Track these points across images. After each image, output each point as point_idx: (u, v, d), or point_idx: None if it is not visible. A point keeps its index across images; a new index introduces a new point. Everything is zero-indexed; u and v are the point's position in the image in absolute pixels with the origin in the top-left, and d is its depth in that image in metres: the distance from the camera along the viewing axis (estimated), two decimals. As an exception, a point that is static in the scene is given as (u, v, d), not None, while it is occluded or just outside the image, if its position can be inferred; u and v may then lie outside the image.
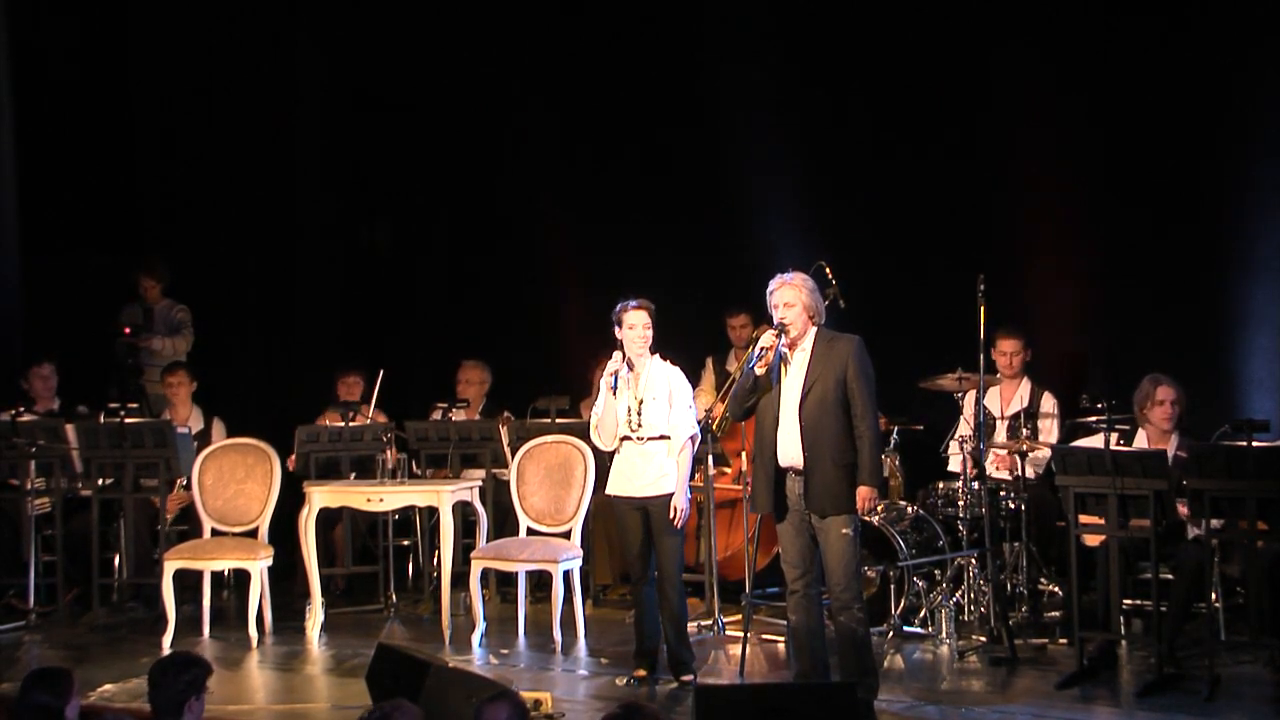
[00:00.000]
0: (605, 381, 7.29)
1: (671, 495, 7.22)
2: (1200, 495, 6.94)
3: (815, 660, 6.71)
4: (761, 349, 6.60)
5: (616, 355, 7.30)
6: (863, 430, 6.57)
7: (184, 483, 9.09)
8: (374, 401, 9.25)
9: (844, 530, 6.56)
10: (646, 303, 7.30)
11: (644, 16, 10.21)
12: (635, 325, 7.26)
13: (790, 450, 6.62)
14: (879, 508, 7.83)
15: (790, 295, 6.64)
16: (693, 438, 7.34)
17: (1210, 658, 6.96)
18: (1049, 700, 6.93)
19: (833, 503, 6.56)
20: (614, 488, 7.37)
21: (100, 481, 9.04)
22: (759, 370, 6.62)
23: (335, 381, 9.85)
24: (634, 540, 7.30)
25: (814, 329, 6.69)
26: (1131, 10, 9.01)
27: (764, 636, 8.11)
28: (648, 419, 7.25)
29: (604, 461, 8.46)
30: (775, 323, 6.63)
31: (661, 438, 7.27)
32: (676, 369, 7.39)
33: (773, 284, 6.70)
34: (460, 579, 8.41)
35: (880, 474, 6.72)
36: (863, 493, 6.57)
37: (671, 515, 7.19)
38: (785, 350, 6.64)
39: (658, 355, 7.35)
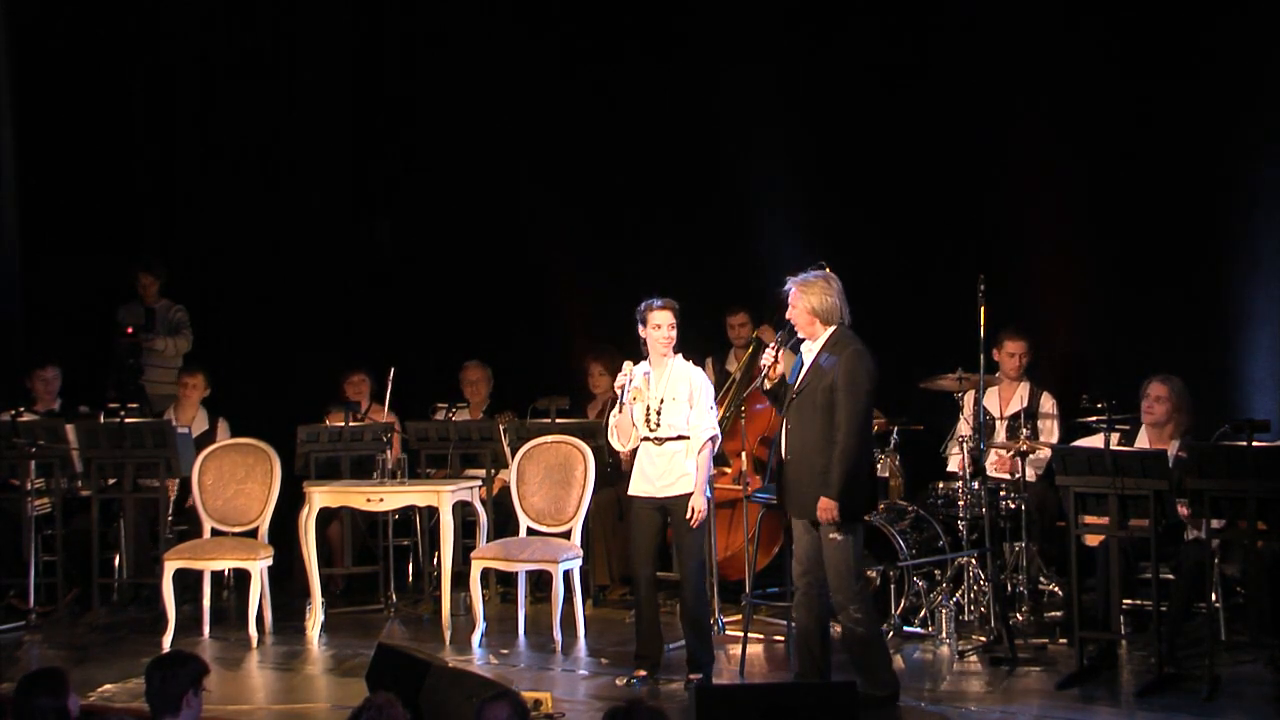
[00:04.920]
0: (627, 395, 7.27)
1: (691, 495, 7.21)
2: (1200, 495, 6.94)
3: (815, 660, 6.73)
4: (763, 364, 6.76)
5: (627, 365, 7.31)
6: (838, 439, 6.55)
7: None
8: (387, 398, 9.13)
9: (833, 535, 6.58)
10: (671, 302, 7.29)
11: (645, 16, 10.20)
12: (660, 325, 7.25)
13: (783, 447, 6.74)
14: (881, 508, 7.86)
15: (792, 298, 6.74)
16: (714, 438, 7.32)
17: (1210, 658, 6.95)
18: (1049, 700, 6.93)
19: (801, 508, 6.64)
20: (634, 488, 7.36)
21: (108, 481, 9.04)
22: (766, 385, 6.80)
23: (341, 381, 9.83)
24: (645, 539, 7.28)
25: (829, 330, 6.71)
26: (1132, 9, 9.01)
27: (764, 636, 8.11)
28: (667, 419, 7.23)
29: (603, 461, 8.51)
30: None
31: (680, 438, 7.25)
32: (699, 369, 7.38)
33: (787, 284, 6.81)
34: (460, 579, 8.40)
35: (845, 487, 6.52)
36: (821, 503, 6.53)
37: (689, 515, 7.18)
38: (789, 351, 6.72)
39: (679, 355, 7.34)
